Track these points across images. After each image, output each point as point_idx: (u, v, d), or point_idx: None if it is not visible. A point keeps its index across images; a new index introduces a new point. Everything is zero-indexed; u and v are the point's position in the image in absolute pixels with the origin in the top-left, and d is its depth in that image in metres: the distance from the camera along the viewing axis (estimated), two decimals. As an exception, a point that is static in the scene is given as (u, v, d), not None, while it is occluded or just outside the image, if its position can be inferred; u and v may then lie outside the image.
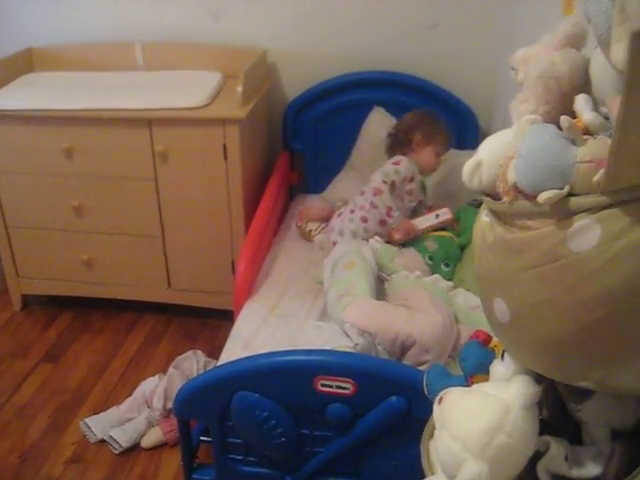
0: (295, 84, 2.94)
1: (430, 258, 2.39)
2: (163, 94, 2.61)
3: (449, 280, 2.34)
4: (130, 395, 2.43)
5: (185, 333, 2.83)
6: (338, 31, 2.84)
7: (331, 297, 2.08)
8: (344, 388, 1.68)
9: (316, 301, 2.29)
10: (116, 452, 2.25)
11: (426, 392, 1.13)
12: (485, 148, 0.86)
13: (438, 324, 1.92)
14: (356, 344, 1.84)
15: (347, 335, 1.90)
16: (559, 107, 0.85)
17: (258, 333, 2.14)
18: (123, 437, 2.27)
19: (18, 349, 2.75)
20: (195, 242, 2.72)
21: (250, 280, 2.35)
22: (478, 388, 0.91)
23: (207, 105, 2.54)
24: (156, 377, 2.45)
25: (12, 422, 2.38)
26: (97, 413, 2.39)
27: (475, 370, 1.03)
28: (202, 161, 2.55)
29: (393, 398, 1.67)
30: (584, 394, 0.85)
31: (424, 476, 1.66)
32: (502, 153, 0.82)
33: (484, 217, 0.86)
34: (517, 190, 0.77)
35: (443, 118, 2.62)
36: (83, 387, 2.54)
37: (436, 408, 0.92)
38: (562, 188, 0.71)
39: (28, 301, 3.02)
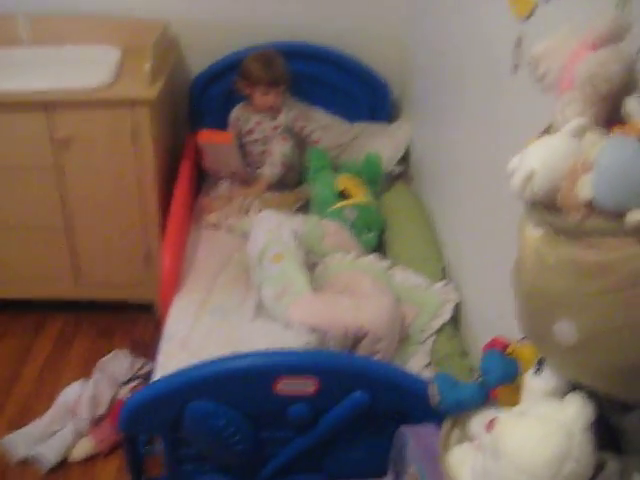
0: (200, 57, 2.76)
1: (351, 227, 2.36)
2: (59, 73, 2.38)
3: (373, 247, 2.35)
4: (50, 406, 2.23)
5: (99, 330, 2.64)
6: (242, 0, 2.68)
7: (268, 296, 1.98)
8: (306, 387, 1.61)
9: (248, 293, 2.18)
10: (44, 470, 2.07)
11: (436, 403, 1.07)
12: (536, 157, 0.80)
13: (386, 309, 1.89)
14: (307, 343, 1.76)
15: (295, 333, 1.82)
16: (603, 108, 0.80)
17: (193, 332, 2.02)
18: (50, 452, 2.09)
19: None
20: (104, 233, 2.53)
21: (176, 274, 2.20)
22: (531, 411, 0.86)
23: (111, 85, 2.33)
24: (78, 383, 2.27)
25: None
26: (16, 429, 2.18)
27: (500, 382, 0.98)
28: (109, 146, 2.36)
29: (356, 393, 1.62)
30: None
31: (387, 467, 1.65)
32: (560, 164, 0.76)
33: (533, 231, 0.80)
34: (591, 207, 0.71)
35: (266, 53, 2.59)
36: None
37: (484, 435, 0.87)
38: (649, 205, 0.66)
39: None
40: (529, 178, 0.79)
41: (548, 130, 0.91)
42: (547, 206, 0.79)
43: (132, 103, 2.28)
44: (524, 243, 0.83)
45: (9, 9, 2.60)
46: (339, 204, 2.39)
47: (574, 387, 0.88)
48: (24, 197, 2.44)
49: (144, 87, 2.30)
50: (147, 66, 2.29)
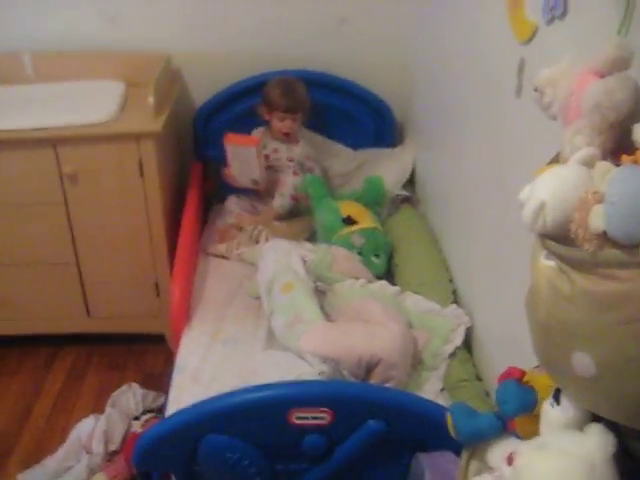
0: (203, 89, 2.78)
1: (359, 253, 2.36)
2: (65, 109, 2.39)
3: (382, 272, 2.35)
4: (64, 441, 2.23)
5: (111, 363, 2.64)
6: (244, 30, 2.70)
7: (279, 325, 1.98)
8: (320, 418, 1.60)
9: (258, 322, 2.18)
10: (59, 507, 2.07)
11: (453, 434, 1.07)
12: (546, 188, 0.80)
13: (398, 336, 1.88)
14: (321, 372, 1.76)
15: (308, 363, 1.81)
16: (611, 136, 0.80)
17: (205, 364, 2.01)
18: (64, 489, 2.08)
19: None
20: (114, 266, 2.53)
21: (186, 305, 2.20)
22: (551, 444, 0.86)
23: (116, 119, 2.35)
24: (91, 418, 2.26)
25: None
26: (29, 466, 2.17)
27: (517, 412, 0.97)
28: (116, 180, 2.37)
29: (371, 422, 1.61)
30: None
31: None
32: (570, 195, 0.76)
33: (545, 261, 0.80)
34: (604, 238, 0.71)
35: (287, 80, 2.59)
36: (7, 438, 2.31)
37: (505, 468, 0.86)
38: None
39: None
40: (540, 210, 0.79)
41: (556, 159, 0.92)
42: (559, 237, 0.79)
43: (137, 137, 2.30)
44: (537, 273, 0.82)
45: (14, 48, 2.63)
46: (346, 230, 2.39)
47: (593, 417, 0.87)
48: (34, 233, 2.44)
49: (149, 120, 2.32)
50: (151, 99, 2.30)
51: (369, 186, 2.61)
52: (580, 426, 0.86)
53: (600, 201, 0.72)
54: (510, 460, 0.86)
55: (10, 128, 2.28)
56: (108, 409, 2.27)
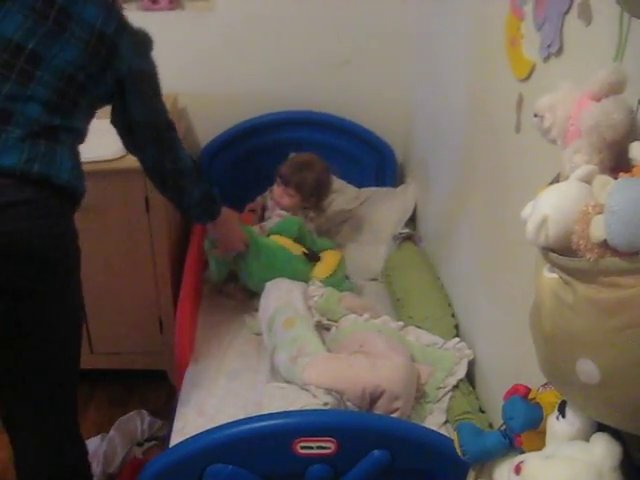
0: (208, 128, 2.84)
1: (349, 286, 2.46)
2: (74, 147, 2.43)
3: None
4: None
5: (112, 399, 2.64)
6: (249, 71, 2.78)
7: (282, 360, 1.97)
8: (325, 448, 1.60)
9: (261, 356, 2.19)
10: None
11: (460, 453, 1.08)
12: (548, 203, 0.83)
13: (401, 368, 1.89)
14: (325, 403, 1.76)
15: (312, 394, 1.82)
16: (609, 155, 0.84)
17: (210, 397, 2.02)
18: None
19: None
20: (118, 302, 2.54)
21: (191, 340, 2.22)
22: (558, 453, 0.87)
23: (123, 155, 2.39)
24: (97, 439, 2.26)
25: None
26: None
27: (524, 427, 0.99)
28: (121, 215, 2.41)
29: (375, 452, 1.61)
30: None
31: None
32: (571, 208, 0.80)
33: (548, 274, 0.83)
34: (605, 247, 0.74)
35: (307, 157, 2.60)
36: (7, 471, 2.29)
37: (513, 477, 0.87)
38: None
39: None
40: (542, 224, 0.82)
41: (556, 179, 0.95)
42: (561, 250, 0.82)
43: (144, 173, 2.33)
44: (541, 287, 0.85)
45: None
46: (326, 272, 2.43)
47: (599, 428, 0.89)
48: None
49: (156, 157, 2.36)
50: (158, 137, 2.35)
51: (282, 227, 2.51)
52: (586, 438, 0.88)
53: (600, 212, 0.75)
54: (518, 469, 0.87)
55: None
56: (112, 432, 2.27)
